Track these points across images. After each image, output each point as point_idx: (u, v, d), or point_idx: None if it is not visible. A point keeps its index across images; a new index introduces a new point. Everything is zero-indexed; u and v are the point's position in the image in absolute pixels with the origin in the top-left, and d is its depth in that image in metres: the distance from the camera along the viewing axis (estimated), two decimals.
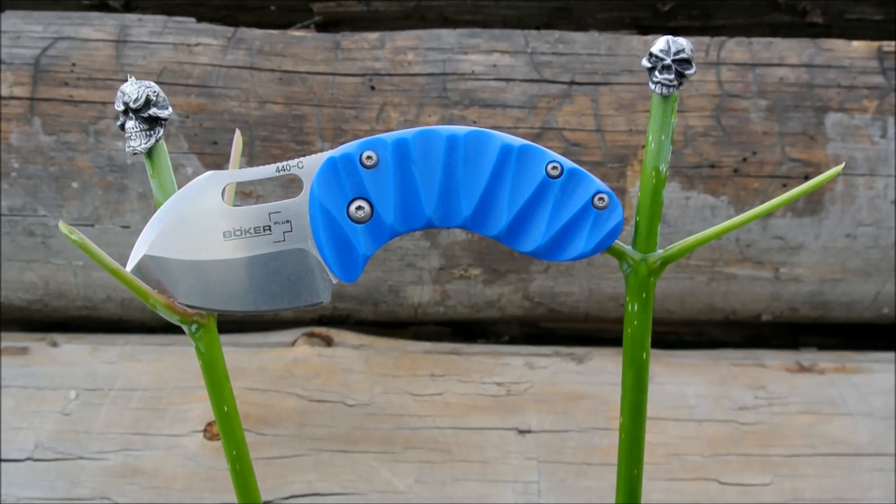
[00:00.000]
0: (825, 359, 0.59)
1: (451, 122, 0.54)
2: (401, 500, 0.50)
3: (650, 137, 0.27)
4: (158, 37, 0.55)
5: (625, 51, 0.56)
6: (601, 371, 0.56)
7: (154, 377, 0.54)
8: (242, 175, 0.27)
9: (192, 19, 0.57)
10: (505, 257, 0.56)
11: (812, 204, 0.56)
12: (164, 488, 0.50)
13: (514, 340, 0.66)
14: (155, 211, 0.27)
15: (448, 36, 0.56)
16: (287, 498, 0.50)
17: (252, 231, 0.26)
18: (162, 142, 0.27)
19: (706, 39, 0.57)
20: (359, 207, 0.26)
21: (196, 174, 0.49)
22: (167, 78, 0.54)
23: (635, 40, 0.57)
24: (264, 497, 0.49)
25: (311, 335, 0.58)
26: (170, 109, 0.27)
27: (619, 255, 0.29)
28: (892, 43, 0.57)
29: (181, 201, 0.26)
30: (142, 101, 0.26)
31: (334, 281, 0.27)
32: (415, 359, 0.57)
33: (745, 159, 0.55)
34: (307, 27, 0.64)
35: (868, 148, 0.55)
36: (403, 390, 0.54)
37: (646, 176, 0.28)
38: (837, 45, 0.57)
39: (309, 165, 0.26)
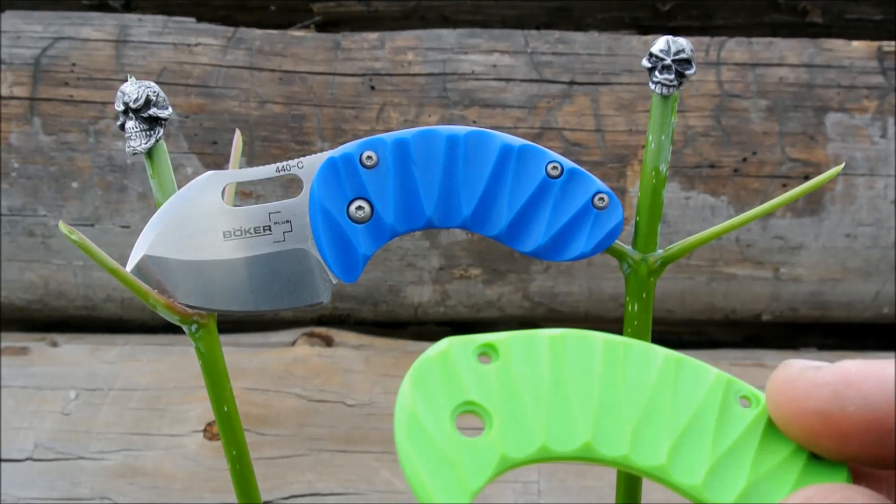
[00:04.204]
0: (825, 359, 0.59)
1: (451, 122, 0.54)
2: (401, 500, 0.50)
3: (650, 137, 0.27)
4: (158, 37, 0.55)
5: (625, 51, 0.56)
6: None
7: (154, 377, 0.54)
8: (242, 175, 0.27)
9: (192, 19, 0.57)
10: (505, 257, 0.56)
11: (812, 204, 0.56)
12: (164, 488, 0.50)
13: None
14: (155, 211, 0.27)
15: (448, 36, 0.56)
16: (287, 498, 0.50)
17: (252, 231, 0.26)
18: (162, 142, 0.27)
19: (706, 39, 0.57)
20: (359, 207, 0.26)
21: (196, 174, 0.49)
22: (167, 78, 0.54)
23: (635, 40, 0.57)
24: (264, 497, 0.49)
25: (311, 335, 0.58)
26: (170, 109, 0.27)
27: (619, 255, 0.29)
28: (892, 43, 0.57)
29: (181, 201, 0.26)
30: (142, 101, 0.26)
31: (334, 281, 0.27)
32: (415, 359, 0.57)
33: (745, 159, 0.55)
34: (307, 27, 0.64)
35: (868, 148, 0.55)
36: None
37: (646, 176, 0.28)
38: (837, 45, 0.57)
39: (309, 165, 0.26)
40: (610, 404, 0.18)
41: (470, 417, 0.18)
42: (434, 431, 0.17)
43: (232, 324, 0.62)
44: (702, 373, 0.19)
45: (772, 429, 0.18)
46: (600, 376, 0.18)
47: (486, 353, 0.18)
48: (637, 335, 0.29)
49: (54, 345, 0.57)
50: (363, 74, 0.55)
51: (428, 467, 0.16)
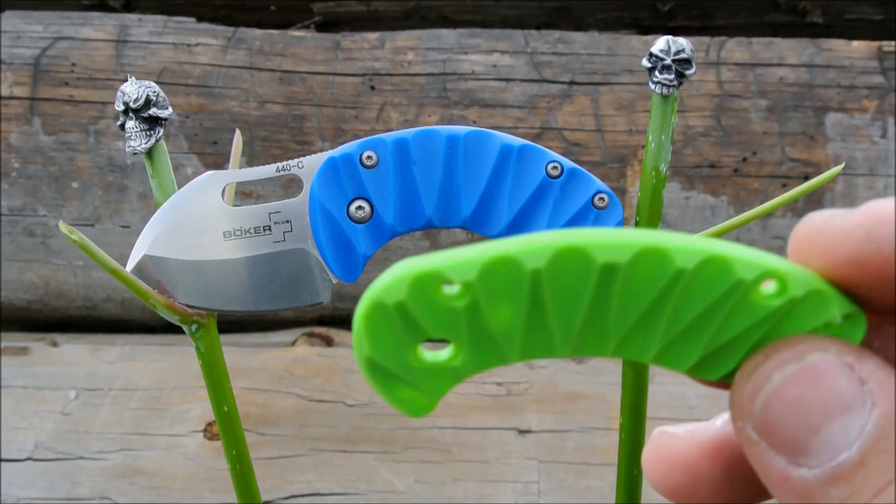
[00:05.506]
0: None
1: (451, 122, 0.54)
2: (401, 500, 0.50)
3: (650, 137, 0.27)
4: (158, 37, 0.55)
5: (625, 51, 0.56)
6: (601, 371, 0.56)
7: (154, 377, 0.54)
8: (242, 175, 0.27)
9: (192, 19, 0.57)
10: None
11: (812, 204, 0.56)
12: (164, 488, 0.50)
13: None
14: (155, 211, 0.27)
15: (448, 36, 0.56)
16: (287, 498, 0.50)
17: (252, 231, 0.26)
18: (162, 142, 0.27)
19: (706, 39, 0.57)
20: (359, 207, 0.26)
21: (196, 174, 0.49)
22: (167, 78, 0.54)
23: (635, 40, 0.57)
24: (264, 497, 0.49)
25: (311, 335, 0.58)
26: (170, 109, 0.27)
27: None
28: (892, 43, 0.57)
29: (181, 201, 0.26)
30: (142, 101, 0.26)
31: (334, 281, 0.27)
32: None
33: (745, 159, 0.55)
34: (307, 27, 0.64)
35: (868, 148, 0.55)
36: None
37: (646, 176, 0.28)
38: (837, 45, 0.57)
39: (309, 165, 0.26)
40: (593, 322, 0.16)
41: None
42: (394, 367, 0.16)
43: (232, 324, 0.62)
44: (722, 276, 0.16)
45: (785, 319, 0.16)
46: (589, 300, 0.16)
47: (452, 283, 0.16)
48: None
49: (54, 345, 0.57)
50: (363, 74, 0.55)
51: (393, 395, 0.17)
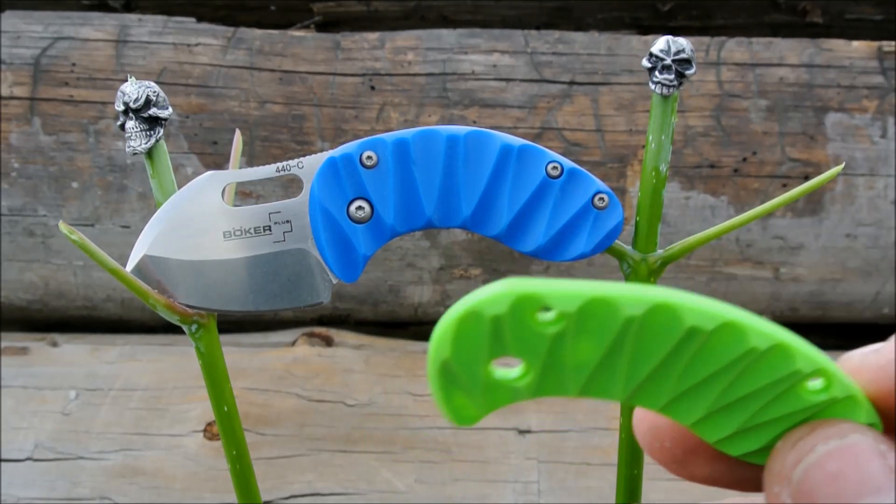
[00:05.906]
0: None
1: (451, 122, 0.54)
2: (401, 500, 0.50)
3: (650, 137, 0.27)
4: (158, 37, 0.55)
5: (625, 51, 0.56)
6: None
7: (154, 377, 0.54)
8: (242, 175, 0.27)
9: (192, 19, 0.57)
10: (505, 257, 0.56)
11: (812, 204, 0.56)
12: (164, 488, 0.50)
13: None
14: (155, 211, 0.27)
15: (448, 36, 0.56)
16: (287, 498, 0.50)
17: (252, 231, 0.26)
18: (162, 142, 0.27)
19: (706, 39, 0.57)
20: (359, 207, 0.26)
21: (196, 174, 0.49)
22: (167, 78, 0.54)
23: (635, 40, 0.57)
24: (264, 497, 0.49)
25: (311, 335, 0.58)
26: (170, 109, 0.27)
27: (620, 255, 0.29)
28: (892, 43, 0.57)
29: (181, 201, 0.26)
30: (142, 101, 0.26)
31: (334, 281, 0.27)
32: (415, 359, 0.57)
33: (745, 159, 0.55)
34: (307, 27, 0.64)
35: (868, 148, 0.55)
36: (403, 390, 0.54)
37: (646, 176, 0.28)
38: (837, 45, 0.57)
39: (309, 165, 0.26)
40: (659, 377, 0.17)
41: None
42: (463, 375, 0.17)
43: (232, 324, 0.62)
44: (782, 363, 0.17)
45: (820, 415, 0.18)
46: (665, 357, 0.17)
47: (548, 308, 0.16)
48: None
49: (54, 345, 0.57)
50: (363, 74, 0.55)
51: (448, 400, 0.17)
